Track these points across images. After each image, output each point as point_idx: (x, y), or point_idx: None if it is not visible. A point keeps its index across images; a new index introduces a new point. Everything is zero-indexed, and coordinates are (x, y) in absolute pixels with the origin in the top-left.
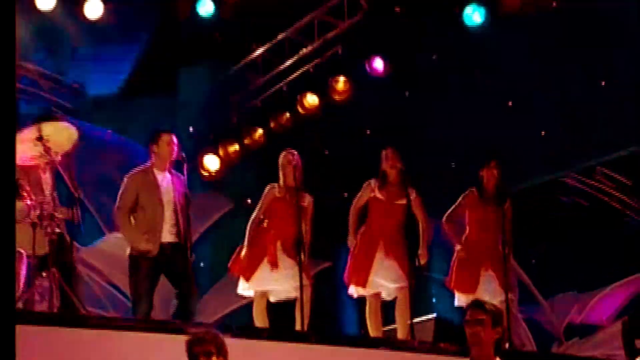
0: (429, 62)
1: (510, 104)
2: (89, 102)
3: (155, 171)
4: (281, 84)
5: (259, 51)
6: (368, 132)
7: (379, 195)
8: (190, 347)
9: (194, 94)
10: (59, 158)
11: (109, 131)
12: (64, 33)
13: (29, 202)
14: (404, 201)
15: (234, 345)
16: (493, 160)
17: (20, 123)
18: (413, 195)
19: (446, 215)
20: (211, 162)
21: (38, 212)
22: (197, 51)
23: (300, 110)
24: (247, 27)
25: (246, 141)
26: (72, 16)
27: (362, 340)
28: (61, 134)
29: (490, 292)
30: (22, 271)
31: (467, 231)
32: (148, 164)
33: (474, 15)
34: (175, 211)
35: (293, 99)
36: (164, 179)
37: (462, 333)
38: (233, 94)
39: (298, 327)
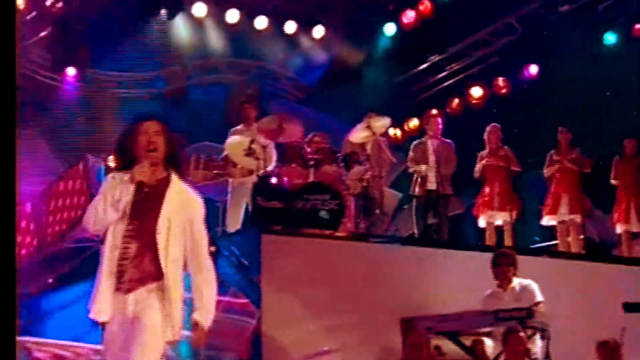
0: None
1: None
2: (303, 89)
3: (428, 140)
4: (452, 81)
5: (435, 59)
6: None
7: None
8: (496, 259)
9: (376, 85)
10: (379, 138)
11: None
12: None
13: (365, 166)
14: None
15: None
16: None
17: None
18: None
19: None
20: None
21: (370, 172)
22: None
23: (468, 99)
24: (424, 41)
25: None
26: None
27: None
28: (380, 122)
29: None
30: (352, 208)
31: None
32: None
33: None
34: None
35: (462, 91)
36: (433, 145)
37: None
38: (414, 85)
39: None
